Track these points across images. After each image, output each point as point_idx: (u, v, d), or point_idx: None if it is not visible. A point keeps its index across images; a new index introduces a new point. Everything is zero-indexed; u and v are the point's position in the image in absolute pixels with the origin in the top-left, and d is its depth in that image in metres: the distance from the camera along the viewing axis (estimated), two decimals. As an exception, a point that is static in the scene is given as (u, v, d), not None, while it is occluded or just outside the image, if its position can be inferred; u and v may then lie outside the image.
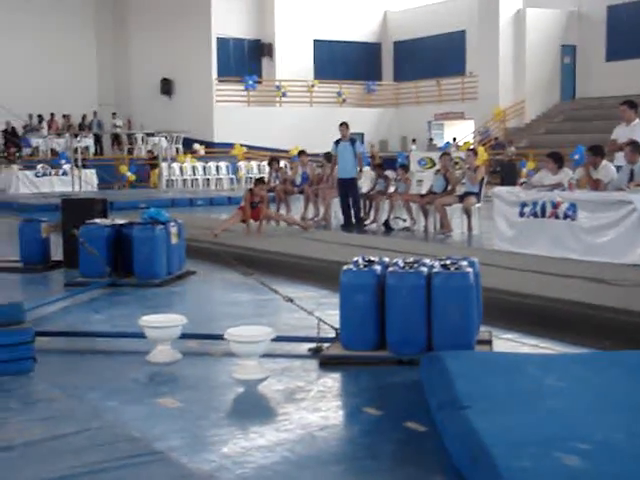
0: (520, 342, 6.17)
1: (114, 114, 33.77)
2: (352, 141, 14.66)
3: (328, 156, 16.09)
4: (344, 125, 14.73)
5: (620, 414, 4.00)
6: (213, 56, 33.27)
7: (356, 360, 5.55)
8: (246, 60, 34.67)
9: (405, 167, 16.08)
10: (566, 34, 32.52)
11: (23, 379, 5.03)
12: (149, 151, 29.03)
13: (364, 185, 15.78)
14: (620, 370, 4.76)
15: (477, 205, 13.23)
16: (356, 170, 14.64)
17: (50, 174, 24.51)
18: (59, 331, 6.52)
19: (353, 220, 14.40)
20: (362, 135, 35.19)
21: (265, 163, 24.29)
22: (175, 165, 27.00)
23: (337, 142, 14.73)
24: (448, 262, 5.67)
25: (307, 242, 10.83)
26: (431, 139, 34.67)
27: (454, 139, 32.17)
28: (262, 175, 15.32)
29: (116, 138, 33.09)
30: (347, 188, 14.49)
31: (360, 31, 37.03)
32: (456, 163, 16.91)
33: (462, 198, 13.32)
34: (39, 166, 24.99)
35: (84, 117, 33.60)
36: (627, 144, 9.89)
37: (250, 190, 12.05)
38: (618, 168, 10.16)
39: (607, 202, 9.55)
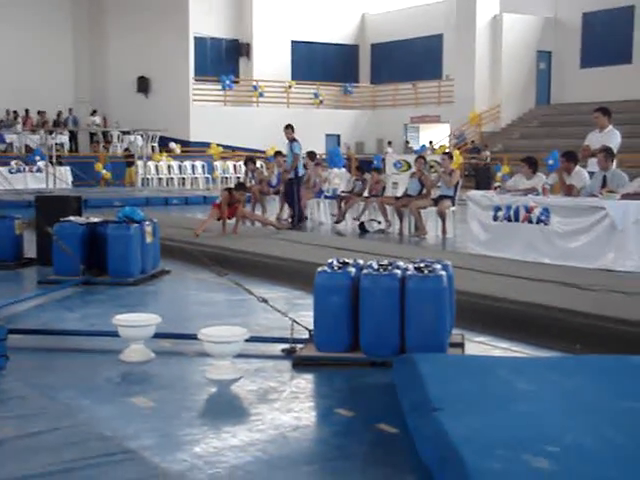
0: (492, 345, 6.22)
1: (94, 112, 33.55)
2: (292, 141, 14.94)
3: (312, 155, 16.17)
4: (289, 128, 14.98)
5: (589, 417, 4.05)
6: (190, 55, 33.20)
7: (329, 361, 5.57)
8: (223, 60, 34.63)
9: (377, 170, 16.15)
10: (542, 40, 32.79)
11: (-5, 377, 5.01)
12: (126, 149, 28.90)
13: (340, 186, 15.83)
14: (591, 374, 4.81)
15: (452, 208, 13.31)
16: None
17: (24, 171, 24.31)
18: (32, 329, 6.49)
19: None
20: (338, 136, 35.30)
21: (241, 163, 24.30)
22: (151, 164, 26.91)
23: (296, 141, 14.98)
24: (422, 265, 5.71)
25: (282, 243, 10.84)
26: (407, 142, 34.81)
27: (430, 142, 32.30)
28: (242, 181, 15.26)
29: (92, 136, 32.88)
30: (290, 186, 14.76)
31: (338, 33, 37.12)
32: (431, 166, 16.97)
33: (437, 201, 13.39)
34: (13, 162, 24.78)
35: (59, 114, 33.38)
36: (600, 151, 10.00)
37: (229, 191, 12.02)
38: (591, 174, 10.26)
39: (580, 207, 9.65)
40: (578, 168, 10.40)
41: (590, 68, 31.42)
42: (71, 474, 3.46)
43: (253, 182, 16.71)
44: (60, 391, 4.99)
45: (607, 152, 9.95)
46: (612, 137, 10.47)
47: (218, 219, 11.82)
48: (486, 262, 9.16)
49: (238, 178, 25.51)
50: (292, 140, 14.88)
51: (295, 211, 14.78)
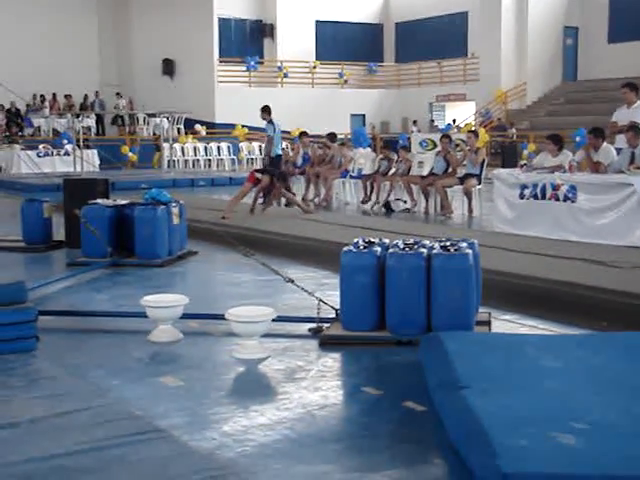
0: (519, 323, 6.21)
1: (118, 94, 33.68)
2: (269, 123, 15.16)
3: (332, 136, 16.18)
4: (263, 110, 15.27)
5: (617, 394, 4.04)
6: (215, 36, 33.15)
7: (356, 340, 5.60)
8: (248, 41, 34.55)
9: (406, 148, 16.09)
10: (568, 16, 32.41)
11: (26, 358, 5.07)
12: (154, 133, 29.01)
13: (365, 166, 15.81)
14: (618, 351, 4.80)
15: (477, 187, 13.25)
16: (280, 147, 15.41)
17: (52, 154, 24.48)
18: (61, 310, 6.56)
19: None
20: (364, 116, 35.17)
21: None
22: (177, 146, 26.99)
23: (271, 122, 15.13)
24: (448, 243, 5.71)
25: (308, 223, 10.86)
26: (432, 121, 34.62)
27: (454, 121, 32.11)
28: (285, 172, 15.33)
29: (118, 119, 33.00)
30: (276, 165, 14.86)
31: (362, 12, 36.88)
32: (457, 145, 16.89)
33: (462, 180, 13.34)
34: (41, 146, 24.96)
35: (86, 97, 33.52)
36: (628, 128, 9.89)
37: (271, 178, 11.79)
38: (618, 151, 10.16)
39: (607, 184, 9.58)
40: (605, 145, 10.30)
41: (618, 43, 31.01)
42: (102, 452, 3.51)
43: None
44: (90, 371, 5.06)
45: (636, 129, 9.84)
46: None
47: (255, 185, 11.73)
48: (512, 240, 9.13)
49: (263, 159, 25.52)
50: (268, 122, 15.08)
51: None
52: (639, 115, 10.30)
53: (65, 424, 3.88)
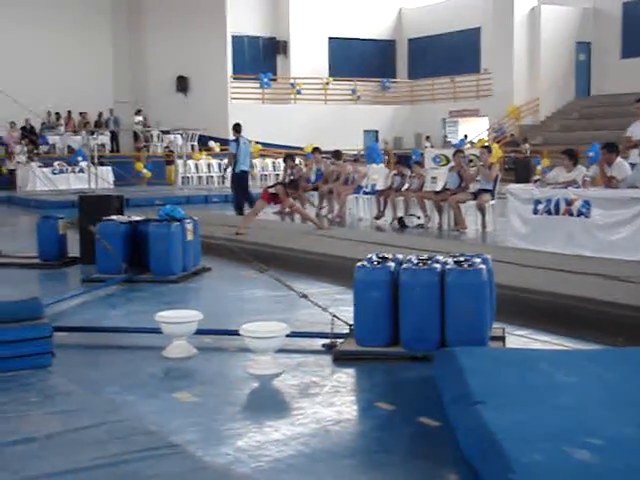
0: (533, 338, 6.19)
1: (139, 111, 33.85)
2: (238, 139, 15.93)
3: (337, 154, 16.40)
4: (234, 128, 15.91)
5: (632, 409, 4.03)
6: (228, 54, 33.34)
7: (370, 356, 5.59)
8: (261, 58, 34.72)
9: (419, 163, 16.12)
10: (581, 31, 32.43)
11: (42, 373, 5.10)
12: (166, 147, 29.14)
13: (379, 182, 15.83)
14: (632, 366, 4.79)
15: (491, 202, 13.24)
16: (248, 163, 16.48)
17: (67, 171, 24.69)
18: (77, 326, 6.59)
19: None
20: (377, 132, 35.24)
21: (280, 160, 24.37)
22: (190, 162, 27.10)
23: (236, 140, 15.79)
24: (461, 259, 5.71)
25: (322, 239, 10.88)
26: (445, 136, 34.63)
27: (465, 136, 32.14)
28: (295, 179, 15.50)
29: (134, 135, 33.19)
30: (242, 180, 15.93)
31: (375, 28, 37.01)
32: (470, 160, 16.89)
33: (476, 195, 13.33)
34: (56, 163, 25.17)
35: (100, 114, 33.74)
36: (642, 142, 9.89)
37: (284, 186, 12.03)
38: (633, 166, 10.15)
39: (621, 199, 9.56)
40: (619, 160, 10.28)
41: (631, 58, 31.00)
42: (118, 467, 3.53)
43: (292, 179, 16.76)
44: (105, 387, 5.08)
45: (649, 144, 9.85)
46: (654, 127, 10.37)
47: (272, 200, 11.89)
48: (526, 255, 9.11)
49: (277, 175, 25.61)
50: (234, 140, 15.86)
51: (236, 204, 15.88)
52: (653, 129, 10.31)
53: (80, 439, 3.90)
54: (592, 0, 32.61)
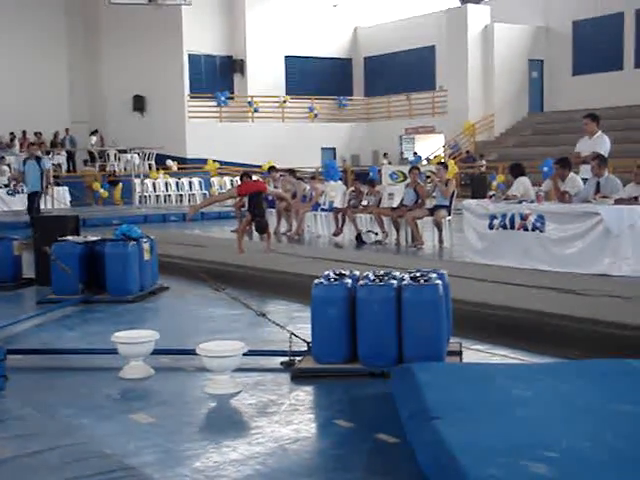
0: (490, 353, 6.24)
1: (95, 131, 33.59)
2: (37, 159, 16.85)
3: (292, 172, 16.57)
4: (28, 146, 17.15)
5: (588, 422, 4.06)
6: (185, 72, 33.28)
7: (328, 373, 5.59)
8: (218, 76, 34.71)
9: (374, 181, 16.21)
10: (534, 49, 32.95)
11: (-5, 397, 5.02)
12: (108, 170, 29.02)
13: (336, 199, 15.87)
14: (587, 379, 4.83)
15: (448, 218, 13.34)
16: (39, 184, 16.92)
17: (22, 192, 24.31)
18: (31, 349, 6.50)
19: None
20: (334, 150, 35.37)
21: (237, 179, 24.32)
22: (148, 181, 26.94)
23: (24, 161, 17.02)
24: (418, 274, 5.74)
25: (280, 257, 10.87)
26: (402, 153, 34.88)
27: (414, 153, 32.50)
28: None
29: (90, 156, 32.93)
30: (31, 201, 16.62)
31: (331, 47, 37.21)
32: (428, 177, 17.02)
33: (433, 211, 13.42)
34: (11, 184, 24.80)
35: (56, 134, 33.43)
36: (593, 158, 10.03)
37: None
38: (584, 180, 10.31)
39: (574, 214, 9.69)
40: (572, 175, 10.45)
41: (582, 75, 31.61)
42: (72, 492, 3.47)
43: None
44: (60, 410, 5.01)
45: (600, 159, 10.00)
46: (601, 143, 10.52)
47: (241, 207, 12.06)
48: (483, 270, 9.18)
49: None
50: (38, 158, 16.93)
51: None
52: (601, 145, 10.47)
53: (34, 464, 3.83)
54: (544, 19, 33.17)
